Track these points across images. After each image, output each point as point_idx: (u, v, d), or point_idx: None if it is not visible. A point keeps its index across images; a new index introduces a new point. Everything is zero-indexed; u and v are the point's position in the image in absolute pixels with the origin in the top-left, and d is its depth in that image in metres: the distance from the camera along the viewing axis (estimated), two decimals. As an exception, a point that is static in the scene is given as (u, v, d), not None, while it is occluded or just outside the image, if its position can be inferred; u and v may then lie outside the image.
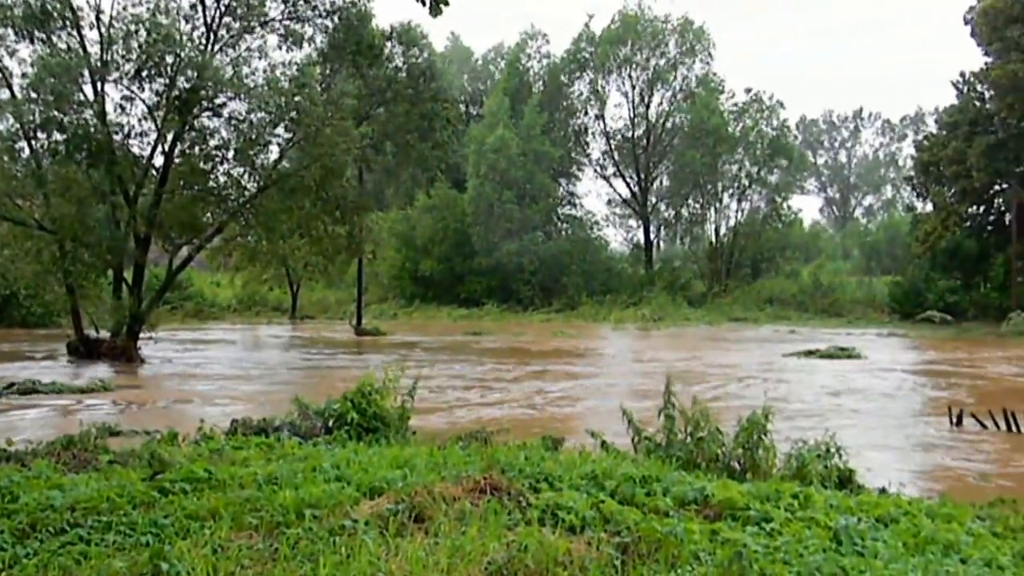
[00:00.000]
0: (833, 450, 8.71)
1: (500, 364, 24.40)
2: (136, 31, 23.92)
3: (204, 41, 25.37)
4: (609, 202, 61.09)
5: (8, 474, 6.99)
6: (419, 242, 53.45)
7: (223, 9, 25.57)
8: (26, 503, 5.64)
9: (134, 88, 24.51)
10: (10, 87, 24.38)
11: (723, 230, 56.69)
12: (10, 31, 23.58)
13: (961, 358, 26.53)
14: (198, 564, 4.44)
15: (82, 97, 23.93)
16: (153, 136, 25.19)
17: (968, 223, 44.57)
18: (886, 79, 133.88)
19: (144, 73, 24.11)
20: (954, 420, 14.32)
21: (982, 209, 45.15)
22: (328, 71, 29.17)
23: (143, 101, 24.80)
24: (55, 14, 23.68)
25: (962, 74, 44.64)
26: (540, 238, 53.31)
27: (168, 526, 5.21)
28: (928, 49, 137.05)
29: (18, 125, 23.67)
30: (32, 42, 23.96)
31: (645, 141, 57.86)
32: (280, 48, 26.67)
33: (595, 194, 74.11)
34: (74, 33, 24.23)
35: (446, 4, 6.66)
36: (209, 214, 26.89)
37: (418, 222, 53.80)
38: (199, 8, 25.50)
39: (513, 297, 50.80)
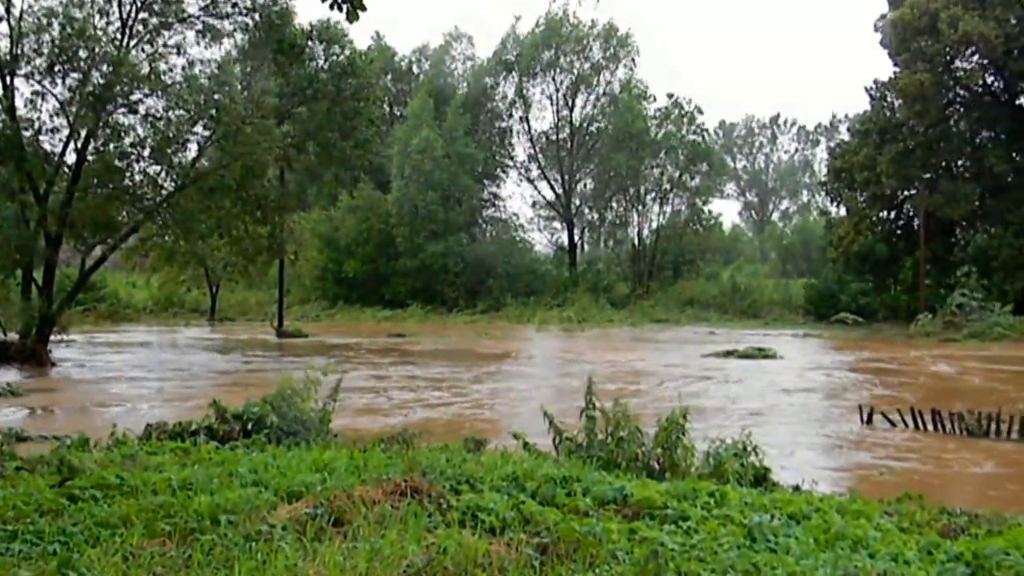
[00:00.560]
0: (749, 449, 8.89)
1: (424, 366, 24.31)
2: (49, 24, 23.19)
3: (120, 36, 24.72)
4: (534, 204, 61.58)
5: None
6: (342, 243, 52.98)
7: (140, 4, 24.92)
8: (-74, 513, 5.41)
9: (46, 83, 23.79)
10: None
11: (646, 233, 57.55)
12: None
13: (872, 358, 27.35)
14: (108, 572, 4.33)
15: (-11, 92, 23.13)
16: (65, 132, 24.48)
17: (879, 228, 46.02)
18: (806, 85, 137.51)
19: (57, 68, 23.41)
20: (864, 418, 14.75)
21: (892, 214, 46.68)
22: (249, 69, 28.74)
23: (55, 96, 24.10)
24: (-39, 6, 22.86)
25: (875, 82, 46.15)
26: (465, 240, 53.41)
27: (77, 534, 5.05)
28: (848, 55, 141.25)
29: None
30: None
31: (569, 144, 58.38)
32: (199, 45, 26.16)
33: (520, 197, 74.41)
34: (-18, 26, 23.41)
35: (363, 9, 6.61)
36: (124, 213, 26.24)
37: (341, 223, 53.32)
38: (115, 2, 24.82)
39: (438, 298, 50.72)
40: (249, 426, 10.25)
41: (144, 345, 32.09)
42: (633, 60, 57.20)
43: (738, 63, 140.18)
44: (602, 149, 57.13)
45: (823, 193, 56.13)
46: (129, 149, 24.95)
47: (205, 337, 37.02)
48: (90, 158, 24.64)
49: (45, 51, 23.26)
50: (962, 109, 44.07)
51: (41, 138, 24.35)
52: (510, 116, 59.45)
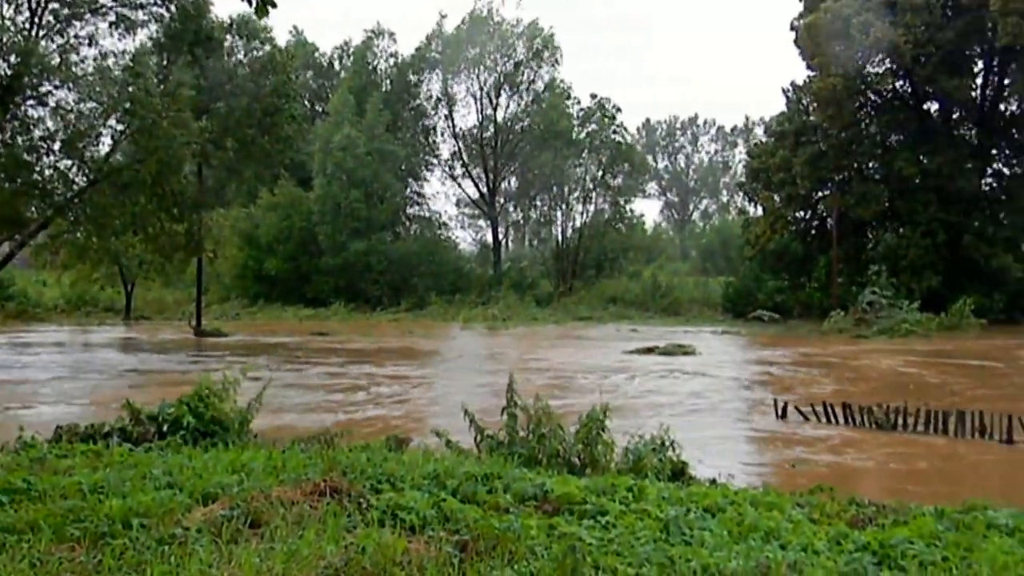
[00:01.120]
0: (668, 444, 9.05)
1: (348, 364, 24.09)
2: (-48, 13, 22.36)
3: (29, 26, 23.90)
4: (458, 203, 61.52)
5: None
6: (263, 241, 52.15)
7: (50, -8, 24.21)
8: None
9: (-51, 74, 22.90)
10: None
11: (569, 231, 57.94)
12: None
13: (787, 354, 28.03)
14: (15, 579, 4.20)
15: None
16: (-29, 125, 23.59)
17: (794, 227, 47.20)
18: (727, 86, 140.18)
19: (-40, 58, 22.55)
20: (779, 413, 15.13)
21: (807, 214, 47.90)
22: (165, 61, 28.03)
23: (-40, 87, 23.18)
24: None
25: (791, 84, 47.29)
26: (389, 238, 53.08)
27: (-18, 541, 4.88)
28: (768, 56, 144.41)
29: None
30: None
31: (494, 143, 58.46)
32: (112, 36, 25.45)
33: (444, 195, 74.28)
34: None
35: (273, 6, 6.53)
36: (33, 208, 25.36)
37: (262, 220, 52.47)
38: (23, -10, 24.04)
39: (361, 297, 50.31)
40: (164, 427, 10.02)
41: (55, 345, 31.08)
42: (557, 59, 57.61)
43: (662, 63, 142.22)
44: (526, 148, 57.41)
45: (741, 193, 57.33)
46: (39, 142, 24.16)
47: (120, 337, 36.00)
48: (-3, 152, 23.81)
49: (-52, 41, 22.41)
50: (873, 113, 45.51)
51: (-55, 130, 23.46)
52: (435, 113, 59.33)
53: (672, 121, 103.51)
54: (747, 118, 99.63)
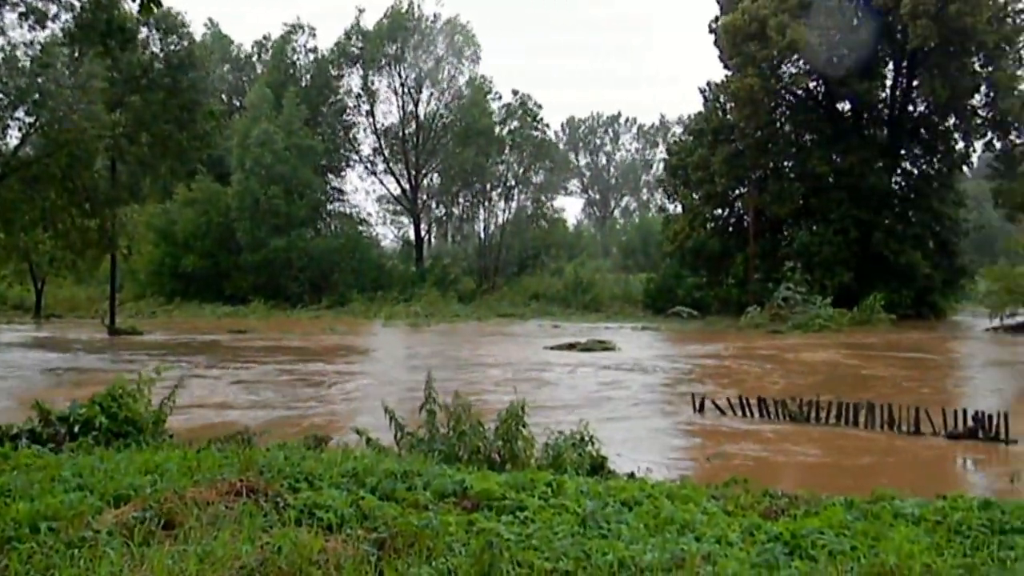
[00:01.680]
0: (587, 439, 9.17)
1: (267, 362, 23.75)
2: None
3: (-70, 13, 23.00)
4: (380, 199, 61.07)
5: None
6: (180, 237, 51.01)
7: (-47, -19, 23.29)
8: None
9: None
10: None
11: (492, 228, 58.01)
12: None
13: (703, 349, 28.58)
14: (-86, 587, 4.06)
15: None
16: None
17: (712, 224, 48.06)
18: (649, 83, 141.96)
19: None
20: (697, 407, 15.43)
21: (725, 211, 48.82)
22: (76, 53, 27.18)
23: None
24: None
25: (709, 84, 48.15)
26: (309, 234, 52.44)
27: None
28: (684, 56, 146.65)
29: None
30: None
31: (415, 139, 58.21)
32: (22, 27, 24.56)
33: (365, 191, 73.63)
34: None
35: (158, 6, 6.42)
36: (-65, 203, 24.42)
37: (179, 216, 51.30)
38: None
39: (281, 294, 49.60)
40: (76, 428, 9.75)
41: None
42: (477, 56, 57.66)
43: (586, 61, 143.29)
44: (448, 144, 57.28)
45: (661, 191, 58.14)
46: (-59, 135, 23.26)
47: (29, 335, 34.80)
48: None
49: None
50: (788, 113, 46.65)
51: None
52: (356, 109, 58.79)
53: (594, 119, 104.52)
54: (662, 116, 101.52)
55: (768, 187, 45.05)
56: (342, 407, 16.53)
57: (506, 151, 56.14)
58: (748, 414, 14.90)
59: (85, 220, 25.81)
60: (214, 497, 5.58)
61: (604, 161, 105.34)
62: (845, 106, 46.60)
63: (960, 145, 45.26)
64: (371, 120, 58.82)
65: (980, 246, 56.20)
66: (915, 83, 44.55)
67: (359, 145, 59.47)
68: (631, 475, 9.05)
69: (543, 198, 57.88)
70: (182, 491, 5.62)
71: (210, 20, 60.05)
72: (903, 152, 46.34)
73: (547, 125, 57.47)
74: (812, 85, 45.95)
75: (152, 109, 27.34)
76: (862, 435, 13.61)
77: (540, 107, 55.99)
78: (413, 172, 58.79)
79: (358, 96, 58.22)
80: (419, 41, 56.64)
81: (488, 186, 57.16)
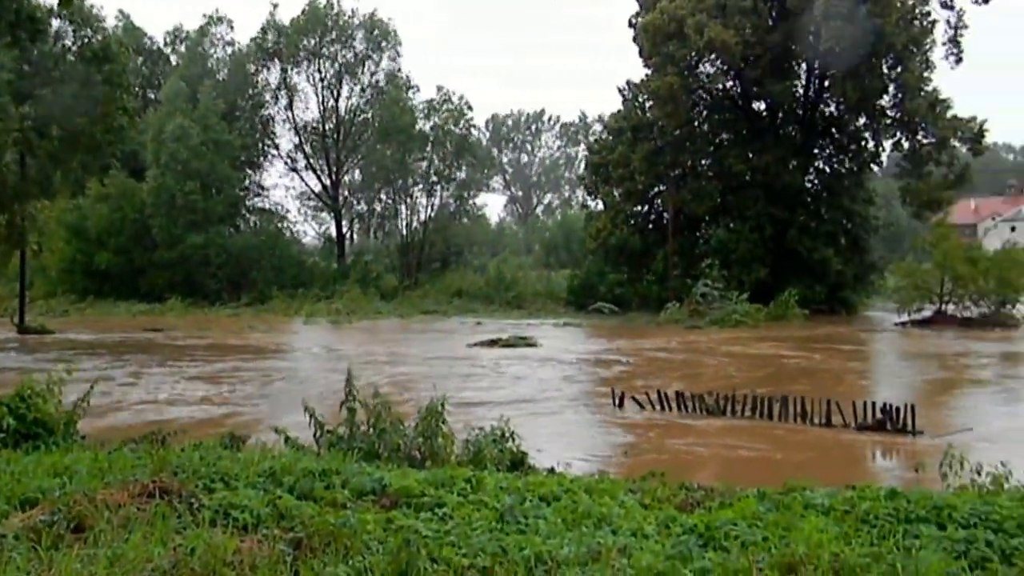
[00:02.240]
0: (507, 435, 9.22)
1: (183, 361, 23.25)
2: None
3: None
4: (301, 195, 60.22)
5: None
6: (93, 233, 49.45)
7: None
8: None
9: None
10: None
11: (414, 225, 57.64)
12: None
13: (622, 345, 28.94)
14: None
15: None
16: None
17: (633, 221, 48.54)
18: (571, 81, 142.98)
19: None
20: (617, 402, 15.63)
21: (645, 209, 49.38)
22: (-20, 43, 26.18)
23: None
24: None
25: (628, 82, 48.58)
26: (227, 231, 51.43)
27: None
28: (606, 55, 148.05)
29: None
30: None
31: (336, 135, 57.55)
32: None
33: (285, 188, 72.11)
34: None
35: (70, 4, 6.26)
36: None
37: (91, 212, 49.72)
38: None
39: (199, 291, 48.51)
40: (-20, 431, 9.43)
41: None
42: (397, 51, 57.18)
43: (512, 58, 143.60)
44: (369, 140, 56.75)
45: (583, 188, 58.49)
46: None
47: (-71, 336, 33.46)
48: None
49: None
50: (705, 112, 47.41)
51: None
52: (275, 104, 57.83)
53: (517, 116, 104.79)
54: (583, 114, 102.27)
55: (687, 185, 45.74)
56: (260, 406, 16.29)
57: (428, 147, 55.84)
58: (666, 408, 15.15)
59: (-8, 216, 24.90)
60: (126, 499, 5.47)
61: (527, 159, 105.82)
62: (761, 105, 47.51)
63: (870, 144, 46.52)
64: (290, 115, 57.98)
65: (889, 243, 57.93)
66: (827, 83, 45.70)
67: (279, 140, 58.55)
68: (551, 470, 9.12)
69: (466, 195, 57.69)
70: (92, 493, 5.49)
71: (121, 12, 58.43)
72: (816, 151, 47.41)
73: (472, 123, 57.29)
74: (729, 84, 46.74)
75: (64, 102, 26.51)
76: (777, 428, 13.97)
77: (471, 107, 55.68)
78: (334, 168, 58.09)
79: (276, 90, 57.32)
80: (338, 36, 55.96)
81: (410, 182, 56.74)
